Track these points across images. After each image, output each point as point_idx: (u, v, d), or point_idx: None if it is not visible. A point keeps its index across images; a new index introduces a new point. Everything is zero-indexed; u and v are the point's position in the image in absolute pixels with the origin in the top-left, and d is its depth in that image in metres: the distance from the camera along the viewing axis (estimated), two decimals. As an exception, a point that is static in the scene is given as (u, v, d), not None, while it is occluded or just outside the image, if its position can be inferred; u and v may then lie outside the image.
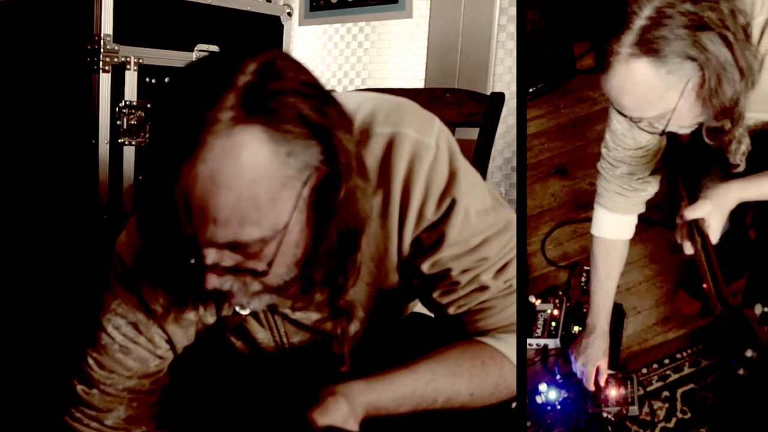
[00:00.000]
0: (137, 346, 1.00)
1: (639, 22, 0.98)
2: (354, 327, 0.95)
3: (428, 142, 0.88)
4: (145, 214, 0.85)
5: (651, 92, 1.01)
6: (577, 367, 1.43)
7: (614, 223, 1.38)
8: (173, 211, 0.74)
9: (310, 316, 1.01)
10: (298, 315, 1.02)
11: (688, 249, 1.11)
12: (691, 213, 1.09)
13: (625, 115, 1.08)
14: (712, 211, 1.08)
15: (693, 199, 1.13)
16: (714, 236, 1.09)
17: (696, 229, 1.09)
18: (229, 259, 0.79)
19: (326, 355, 0.95)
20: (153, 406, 1.06)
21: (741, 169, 1.12)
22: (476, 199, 0.92)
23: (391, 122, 0.89)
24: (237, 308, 0.96)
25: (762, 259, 1.36)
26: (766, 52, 1.02)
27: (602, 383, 1.41)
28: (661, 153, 1.30)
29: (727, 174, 1.15)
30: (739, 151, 1.09)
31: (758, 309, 0.95)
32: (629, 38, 0.98)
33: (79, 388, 1.02)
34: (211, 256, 0.77)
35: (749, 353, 0.91)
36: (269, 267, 0.79)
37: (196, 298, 0.95)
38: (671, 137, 1.24)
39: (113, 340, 1.00)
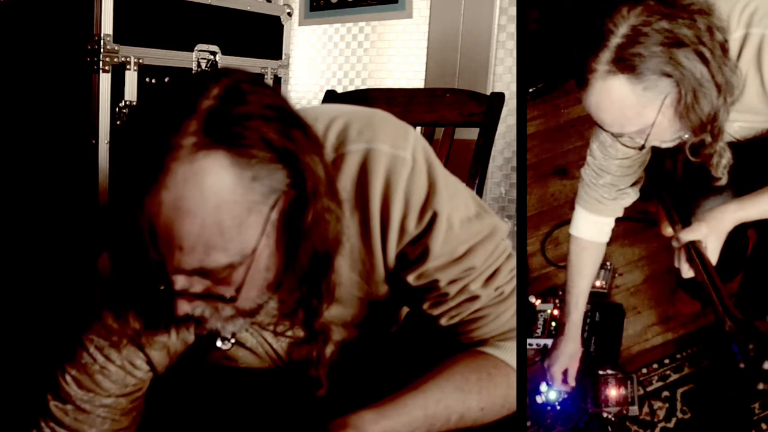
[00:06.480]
0: (118, 369, 0.99)
1: (615, 40, 1.00)
2: (330, 349, 0.94)
3: (404, 156, 0.86)
4: (113, 241, 0.82)
5: (629, 108, 1.02)
6: (545, 364, 1.43)
7: (591, 223, 1.40)
8: (139, 238, 0.73)
9: (297, 333, 0.99)
10: (286, 332, 1.00)
11: (686, 272, 1.10)
12: (687, 235, 1.09)
13: (606, 131, 1.09)
14: (708, 233, 1.08)
15: (686, 221, 1.13)
16: (713, 258, 1.08)
17: (694, 251, 1.08)
18: (198, 284, 0.77)
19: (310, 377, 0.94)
20: (126, 429, 1.03)
21: (723, 182, 1.13)
22: (459, 208, 0.89)
23: (364, 138, 0.87)
24: (218, 343, 0.93)
25: (760, 266, 1.36)
26: (747, 68, 1.03)
27: (570, 386, 1.41)
28: (645, 164, 1.32)
29: (712, 189, 1.16)
30: (721, 164, 1.11)
31: None
32: (606, 56, 1.00)
33: (53, 403, 0.99)
34: (180, 282, 0.76)
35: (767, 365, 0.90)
36: (237, 293, 0.78)
37: (171, 321, 0.93)
38: (658, 166, 1.24)
39: (94, 361, 0.98)
